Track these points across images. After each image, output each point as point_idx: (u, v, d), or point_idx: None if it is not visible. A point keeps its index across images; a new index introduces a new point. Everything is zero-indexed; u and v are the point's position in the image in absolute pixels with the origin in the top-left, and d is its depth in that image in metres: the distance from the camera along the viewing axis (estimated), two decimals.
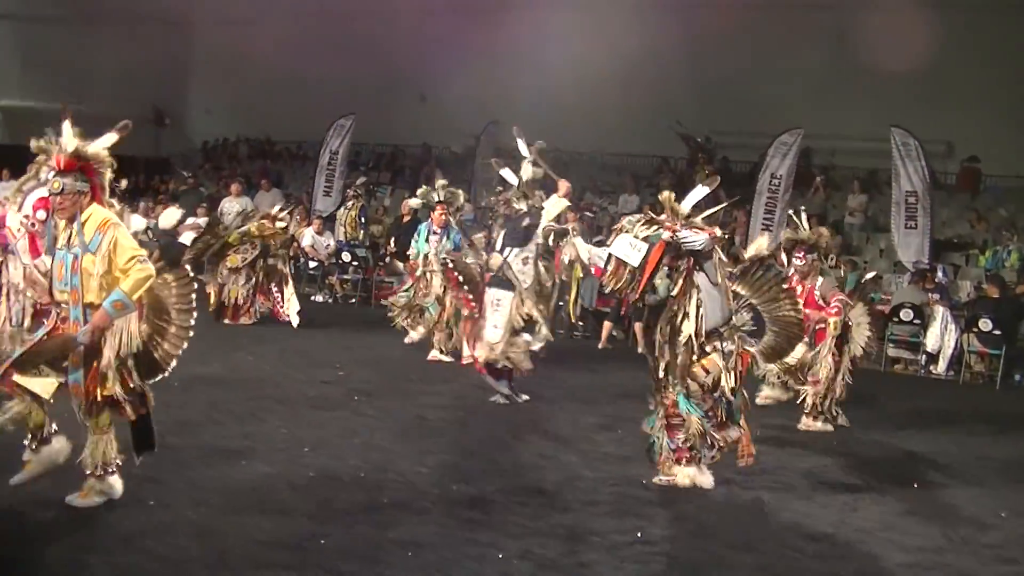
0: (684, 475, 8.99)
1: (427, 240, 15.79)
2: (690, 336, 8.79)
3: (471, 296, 12.83)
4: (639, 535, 7.82)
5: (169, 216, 11.05)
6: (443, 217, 15.83)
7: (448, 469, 9.28)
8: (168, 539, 7.09)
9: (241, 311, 17.74)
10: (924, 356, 18.24)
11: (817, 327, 12.12)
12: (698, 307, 8.74)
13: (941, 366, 18.07)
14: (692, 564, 7.40)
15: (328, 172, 27.06)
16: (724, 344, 8.89)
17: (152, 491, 7.99)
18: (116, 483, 7.71)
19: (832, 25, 27.32)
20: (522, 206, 12.55)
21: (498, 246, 12.48)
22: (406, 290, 16.02)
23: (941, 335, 18.01)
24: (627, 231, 8.89)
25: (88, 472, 7.62)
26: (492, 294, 12.31)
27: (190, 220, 23.98)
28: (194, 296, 8.13)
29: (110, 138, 7.82)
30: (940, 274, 19.65)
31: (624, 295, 9.55)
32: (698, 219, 8.88)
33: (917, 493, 9.80)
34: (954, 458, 11.44)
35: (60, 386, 7.54)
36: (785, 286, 9.66)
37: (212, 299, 17.78)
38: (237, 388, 12.29)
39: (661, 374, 9.04)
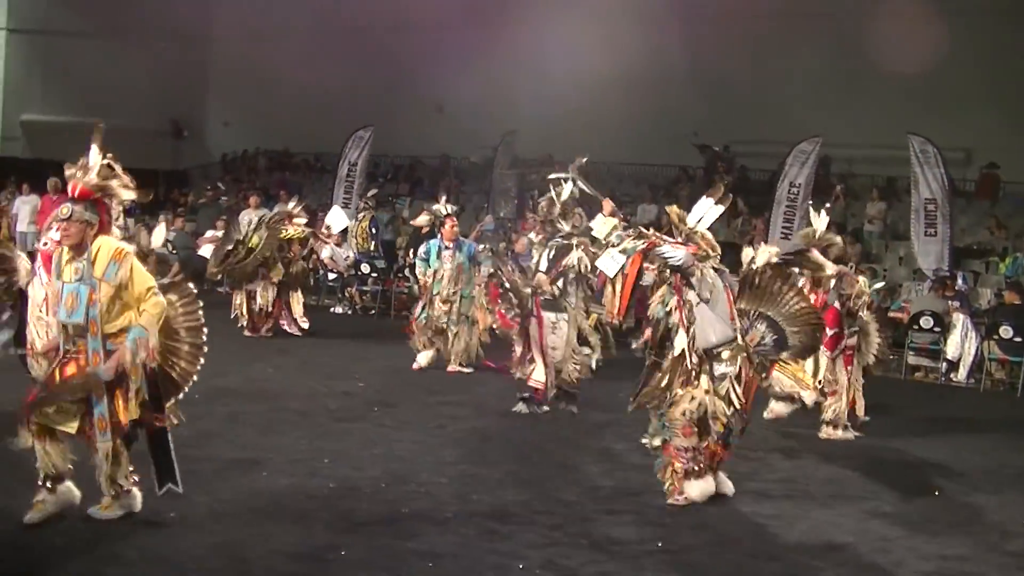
0: (696, 490, 8.91)
1: (438, 257, 15.30)
2: (680, 354, 8.79)
3: (513, 314, 12.80)
4: (660, 544, 7.81)
5: (157, 235, 10.96)
6: (454, 230, 15.47)
7: (468, 479, 9.27)
8: (189, 551, 7.11)
9: (263, 322, 17.74)
10: (944, 364, 18.13)
11: (831, 332, 11.98)
12: (689, 324, 8.71)
13: (962, 374, 17.97)
14: (713, 573, 7.38)
15: (347, 184, 27.11)
16: (719, 366, 8.81)
17: (172, 503, 7.99)
18: (136, 497, 7.69)
19: (850, 33, 27.27)
20: (565, 226, 12.49)
21: (543, 266, 12.43)
22: (423, 311, 15.40)
23: (961, 342, 17.92)
24: (613, 244, 8.92)
25: (106, 492, 7.59)
26: (549, 317, 12.28)
27: (209, 233, 24.05)
28: (201, 312, 8.22)
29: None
30: (960, 281, 19.58)
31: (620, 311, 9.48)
32: (703, 232, 8.88)
33: (938, 501, 9.76)
34: (975, 466, 11.38)
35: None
36: (783, 281, 9.38)
37: (242, 309, 17.77)
38: (257, 400, 12.32)
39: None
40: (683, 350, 8.70)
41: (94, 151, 7.63)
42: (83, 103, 36.81)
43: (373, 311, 22.27)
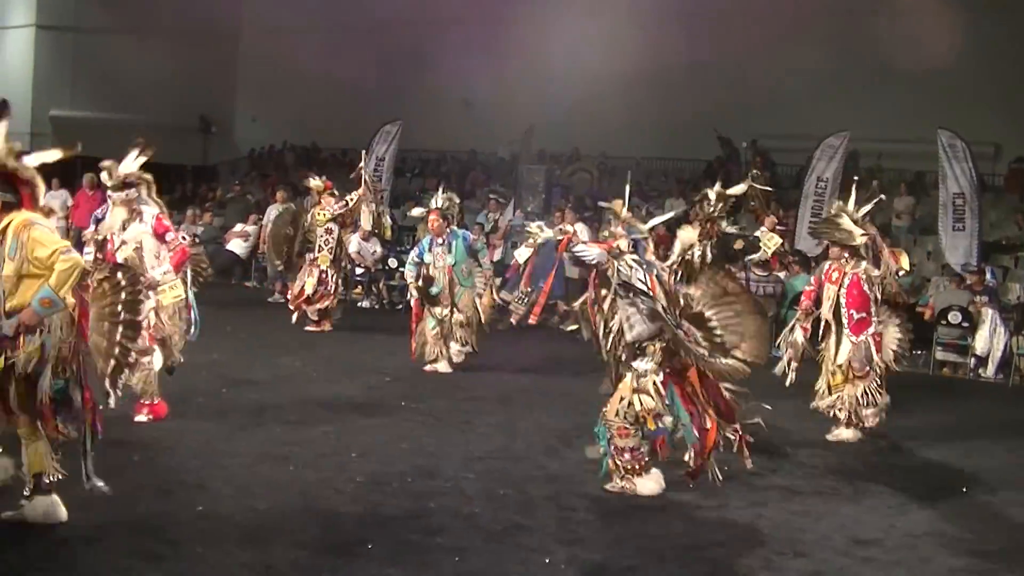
0: (645, 487, 8.86)
1: (430, 251, 14.85)
2: (608, 351, 8.84)
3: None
4: (685, 539, 7.81)
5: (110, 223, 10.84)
6: (436, 224, 14.79)
7: (495, 474, 9.29)
8: (216, 544, 7.14)
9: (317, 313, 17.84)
10: (973, 359, 18.06)
11: (857, 316, 11.81)
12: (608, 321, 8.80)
13: (990, 369, 17.88)
14: (740, 569, 7.37)
15: (374, 178, 27.14)
16: (642, 362, 8.78)
17: (200, 497, 8.05)
18: (56, 506, 7.30)
19: (878, 27, 27.19)
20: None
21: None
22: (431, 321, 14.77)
23: (990, 338, 17.83)
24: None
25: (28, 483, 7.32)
26: None
27: (237, 227, 24.14)
28: (120, 304, 7.85)
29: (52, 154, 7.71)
30: (989, 276, 19.47)
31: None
32: (643, 226, 9.05)
33: (966, 498, 9.72)
34: (1003, 462, 11.33)
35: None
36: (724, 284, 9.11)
37: (295, 295, 18.04)
38: (284, 394, 12.36)
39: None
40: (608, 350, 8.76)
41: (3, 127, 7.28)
42: (111, 99, 37.09)
43: (400, 305, 22.29)
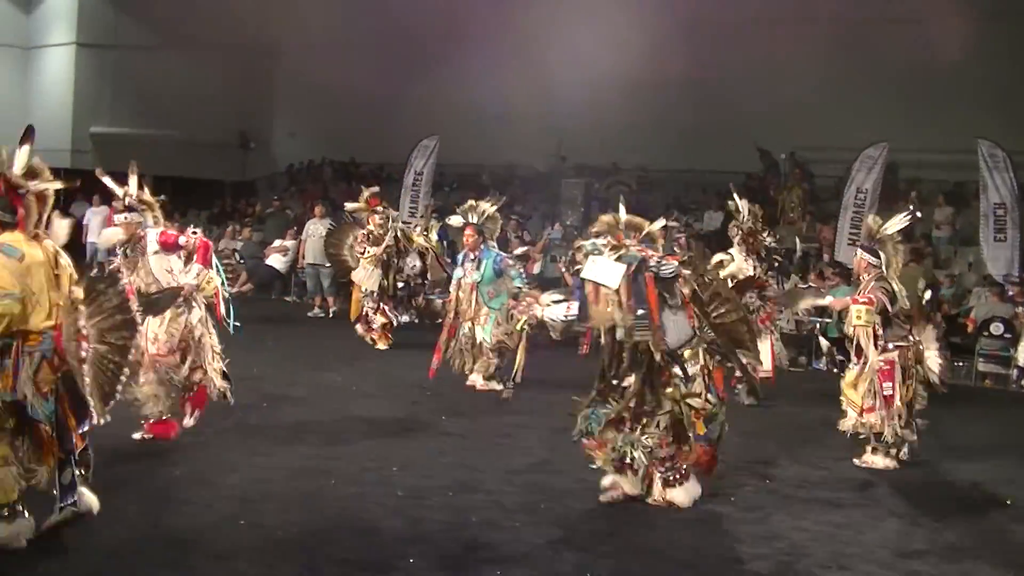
0: (682, 497, 8.80)
1: (461, 265, 14.77)
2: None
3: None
4: (727, 553, 7.78)
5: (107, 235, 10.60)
6: (471, 239, 14.53)
7: (536, 489, 9.27)
8: (258, 558, 7.16)
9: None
10: (1015, 371, 17.94)
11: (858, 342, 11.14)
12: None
13: None
14: None
15: (412, 192, 27.21)
16: (688, 368, 8.81)
17: (242, 510, 8.07)
18: (18, 529, 7.03)
19: (918, 38, 27.07)
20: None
21: None
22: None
23: None
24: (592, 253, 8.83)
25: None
26: None
27: (276, 242, 24.25)
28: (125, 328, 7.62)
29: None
30: None
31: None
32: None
33: (1010, 511, 9.61)
34: None
35: None
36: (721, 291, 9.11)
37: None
38: (325, 408, 12.39)
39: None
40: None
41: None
42: (151, 115, 37.34)
43: (440, 320, 22.28)
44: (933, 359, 11.19)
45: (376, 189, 18.37)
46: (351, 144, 35.86)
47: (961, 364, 18.01)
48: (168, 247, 10.24)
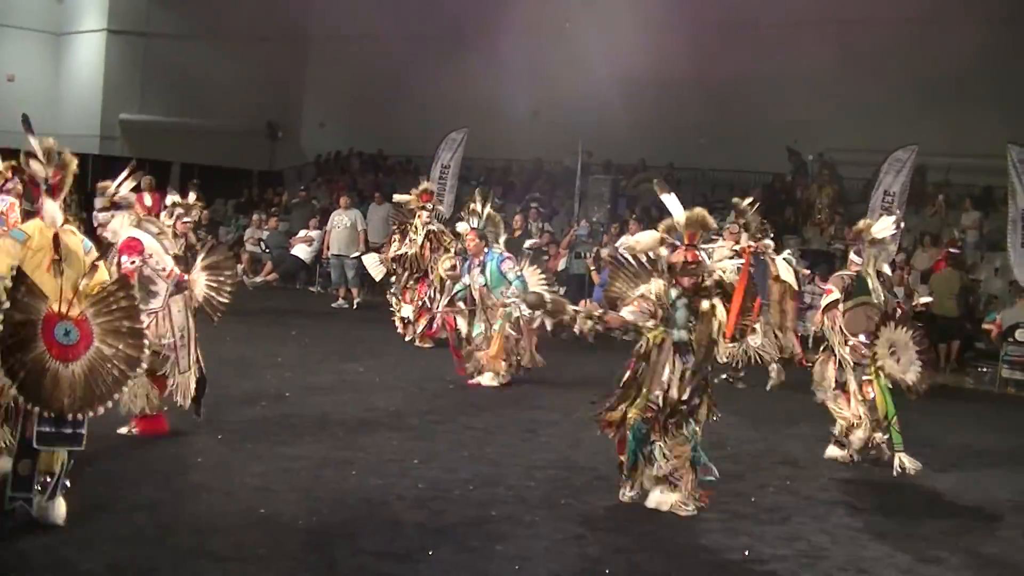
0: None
1: (468, 271, 14.52)
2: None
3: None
4: (747, 553, 7.78)
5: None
6: (473, 244, 14.34)
7: (557, 483, 9.28)
8: (279, 548, 7.20)
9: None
10: None
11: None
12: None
13: None
14: None
15: (439, 185, 27.17)
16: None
17: (263, 500, 8.10)
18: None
19: (948, 40, 26.95)
20: None
21: None
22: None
23: None
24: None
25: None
26: None
27: (302, 233, 24.30)
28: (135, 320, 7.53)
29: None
30: None
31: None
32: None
33: None
34: None
35: None
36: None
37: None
38: (348, 399, 12.42)
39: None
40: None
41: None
42: (180, 103, 37.48)
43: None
44: (907, 364, 10.62)
45: (430, 186, 17.96)
46: (379, 135, 35.86)
47: (986, 370, 17.96)
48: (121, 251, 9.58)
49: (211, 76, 36.58)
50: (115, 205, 9.90)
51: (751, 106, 29.43)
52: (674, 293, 8.42)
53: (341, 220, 22.41)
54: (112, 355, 7.17)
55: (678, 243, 8.46)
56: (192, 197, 14.65)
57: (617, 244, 20.20)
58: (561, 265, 21.92)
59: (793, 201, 27.48)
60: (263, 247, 25.30)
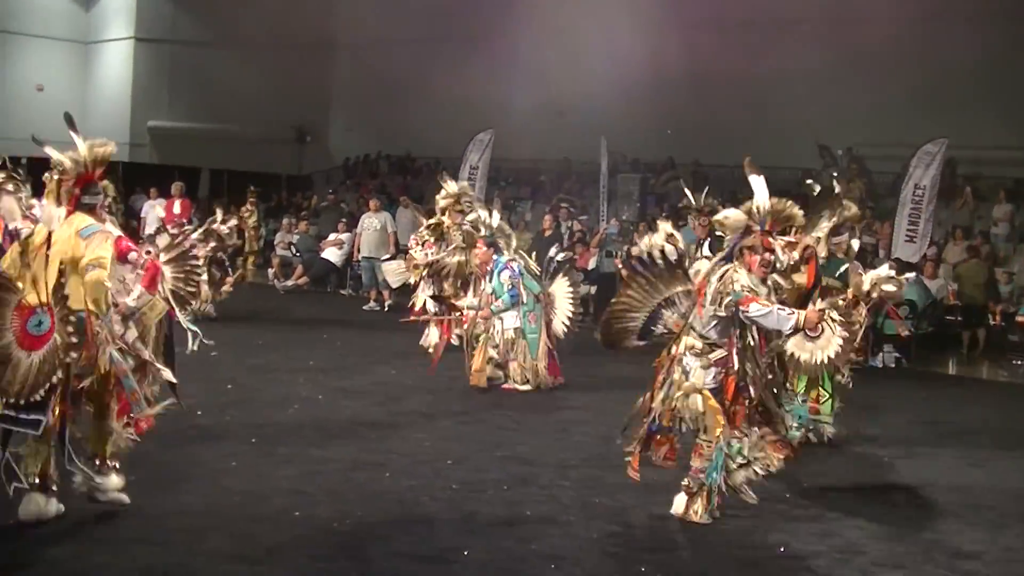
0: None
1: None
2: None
3: None
4: (783, 549, 7.75)
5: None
6: (483, 254, 14.04)
7: (591, 482, 9.25)
8: (312, 550, 7.20)
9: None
10: None
11: None
12: None
13: None
14: None
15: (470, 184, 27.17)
16: None
17: (296, 503, 8.11)
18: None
19: (979, 35, 26.84)
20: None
21: None
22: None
23: None
24: None
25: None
26: None
27: (332, 236, 24.33)
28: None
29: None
30: None
31: None
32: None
33: None
34: None
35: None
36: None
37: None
38: (380, 401, 12.44)
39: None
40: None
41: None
42: (208, 110, 37.68)
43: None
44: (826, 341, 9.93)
45: (458, 189, 17.39)
46: (407, 138, 35.92)
47: (1020, 363, 17.87)
48: (120, 257, 8.71)
49: (238, 82, 36.79)
50: None
51: (779, 103, 29.35)
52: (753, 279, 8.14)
53: (371, 223, 22.46)
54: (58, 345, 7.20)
55: (758, 227, 8.21)
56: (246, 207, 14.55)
57: (637, 245, 20.15)
58: (591, 264, 21.92)
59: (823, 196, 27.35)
60: (293, 251, 25.36)
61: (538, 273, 14.21)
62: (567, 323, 14.15)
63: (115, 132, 35.63)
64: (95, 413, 7.55)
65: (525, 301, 13.68)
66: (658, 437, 8.49)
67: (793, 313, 7.90)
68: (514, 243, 14.37)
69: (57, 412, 7.24)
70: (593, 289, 21.36)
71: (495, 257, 13.93)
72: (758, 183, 8.41)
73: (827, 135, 28.35)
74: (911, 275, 12.82)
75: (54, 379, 7.07)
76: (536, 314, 13.77)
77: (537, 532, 7.83)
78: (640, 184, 27.79)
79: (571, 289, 14.52)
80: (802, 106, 28.80)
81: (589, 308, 20.50)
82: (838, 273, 10.09)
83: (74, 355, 7.14)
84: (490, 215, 14.78)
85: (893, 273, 8.68)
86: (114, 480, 7.58)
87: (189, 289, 8.63)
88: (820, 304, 8.42)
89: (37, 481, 7.33)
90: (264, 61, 37.70)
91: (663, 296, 8.32)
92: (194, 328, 8.35)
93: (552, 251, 15.03)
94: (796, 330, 8.07)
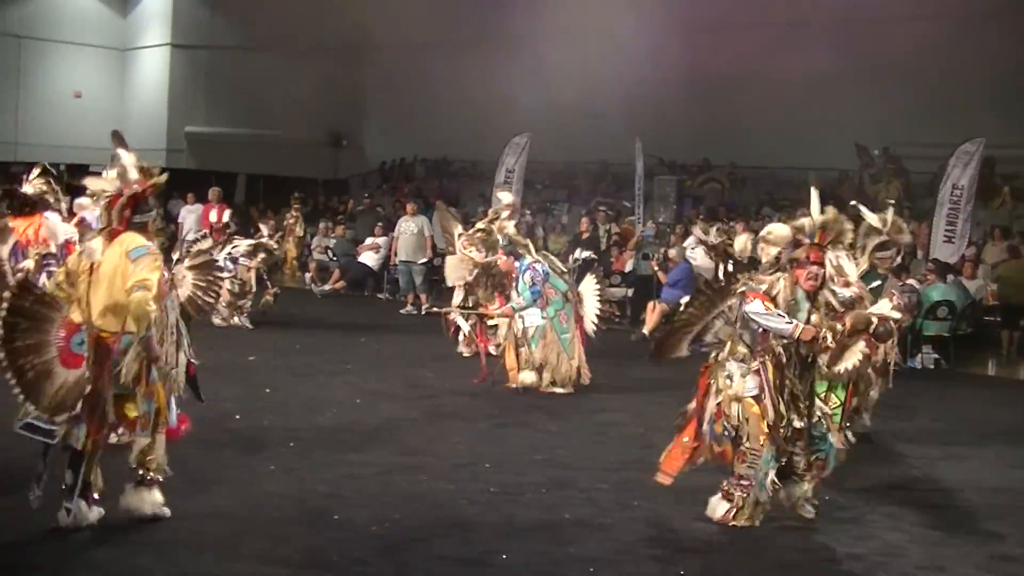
0: None
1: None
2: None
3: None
4: (821, 553, 7.71)
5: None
6: (503, 263, 14.08)
7: (629, 486, 9.22)
8: (351, 554, 7.22)
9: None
10: None
11: None
12: None
13: None
14: None
15: (504, 190, 27.13)
16: None
17: (335, 506, 8.13)
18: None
19: (1017, 33, 26.68)
20: None
21: None
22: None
23: None
24: None
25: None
26: None
27: (369, 240, 24.37)
28: None
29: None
30: None
31: None
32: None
33: None
34: None
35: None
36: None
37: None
38: (417, 404, 12.44)
39: None
40: None
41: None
42: (244, 115, 37.83)
43: None
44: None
45: (515, 201, 17.00)
46: (443, 141, 35.95)
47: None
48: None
49: (274, 87, 36.95)
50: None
51: (815, 103, 29.26)
52: (798, 293, 8.10)
53: (408, 226, 22.47)
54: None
55: (807, 240, 8.21)
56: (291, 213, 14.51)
57: (684, 245, 20.12)
58: (628, 266, 21.88)
59: (860, 197, 27.28)
60: (330, 255, 25.40)
61: (564, 271, 14.14)
62: (596, 322, 14.20)
63: (152, 138, 36.04)
64: (133, 428, 7.55)
65: (553, 300, 13.61)
66: (715, 446, 8.36)
67: (791, 323, 7.92)
68: (532, 247, 14.34)
69: (85, 427, 7.26)
70: (630, 292, 21.33)
71: (516, 263, 13.87)
72: (815, 196, 8.37)
73: (864, 135, 28.29)
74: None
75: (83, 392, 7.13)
76: (567, 313, 13.72)
77: (575, 535, 7.82)
78: (676, 186, 27.76)
79: (598, 287, 14.50)
80: (838, 107, 28.70)
81: (626, 311, 20.45)
82: (871, 286, 9.99)
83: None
84: (509, 223, 14.68)
85: (897, 315, 8.46)
86: (144, 497, 7.55)
87: (207, 299, 8.65)
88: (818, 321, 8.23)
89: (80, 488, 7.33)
90: (300, 66, 37.81)
91: (718, 310, 8.28)
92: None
93: (576, 252, 15.02)
94: (792, 339, 8.03)
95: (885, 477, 10.02)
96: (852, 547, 7.87)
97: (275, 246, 18.79)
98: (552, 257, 14.36)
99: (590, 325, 14.09)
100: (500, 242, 14.34)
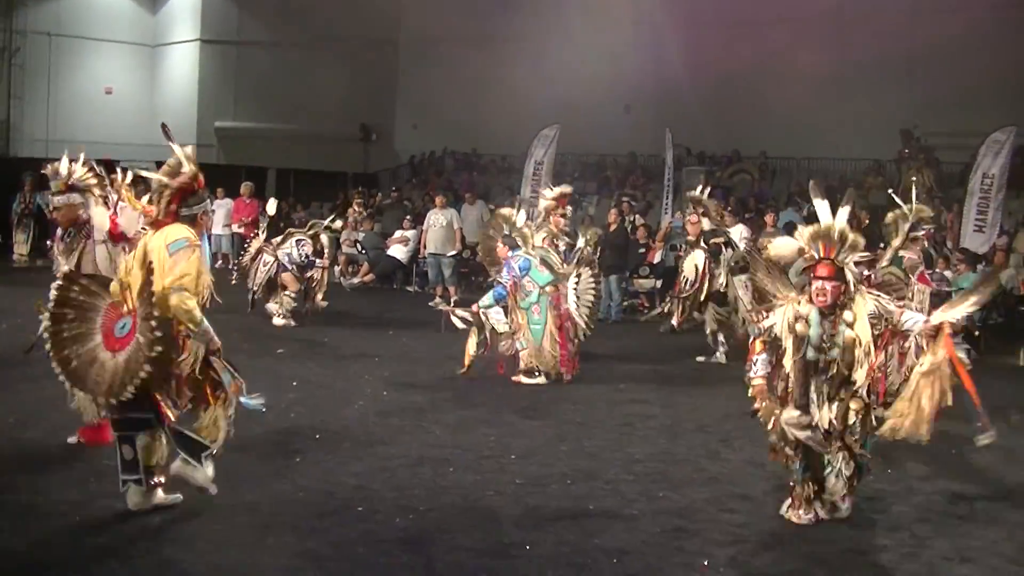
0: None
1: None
2: None
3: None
4: (848, 544, 7.69)
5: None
6: (499, 250, 14.31)
7: (655, 477, 9.24)
8: (377, 546, 7.23)
9: None
10: None
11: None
12: None
13: None
14: (900, 573, 7.27)
15: (533, 182, 27.11)
16: None
17: (361, 498, 8.15)
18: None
19: None
20: None
21: None
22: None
23: None
24: None
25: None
26: None
27: (398, 233, 24.40)
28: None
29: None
30: None
31: None
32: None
33: None
34: None
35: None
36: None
37: None
38: (445, 396, 12.48)
39: None
40: None
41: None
42: (274, 110, 37.94)
43: None
44: None
45: (568, 189, 16.62)
46: (472, 134, 35.98)
47: None
48: (115, 237, 9.52)
49: (303, 82, 37.07)
50: (71, 188, 9.71)
51: (845, 94, 29.21)
52: (812, 311, 7.81)
53: (437, 219, 22.50)
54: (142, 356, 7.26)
55: (816, 254, 7.83)
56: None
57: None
58: (657, 258, 21.86)
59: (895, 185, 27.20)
60: (359, 248, 25.43)
61: (554, 265, 14.12)
62: (586, 316, 14.39)
63: (182, 133, 35.96)
64: (197, 404, 7.73)
65: (529, 292, 13.75)
66: None
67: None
68: (530, 237, 14.39)
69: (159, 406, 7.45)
70: (659, 283, 21.31)
71: (510, 253, 14.05)
72: (822, 207, 7.98)
73: (894, 125, 28.15)
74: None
75: (142, 374, 7.12)
76: (540, 305, 13.75)
77: (601, 526, 7.83)
78: (705, 177, 27.71)
79: (592, 280, 14.52)
80: (869, 97, 28.62)
81: (655, 302, 20.42)
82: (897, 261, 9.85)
83: (159, 349, 7.16)
84: (516, 214, 14.89)
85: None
86: (210, 471, 7.74)
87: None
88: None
89: (143, 475, 7.53)
90: (329, 60, 37.92)
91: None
92: None
93: (580, 242, 15.03)
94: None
95: (912, 468, 9.98)
96: (879, 539, 7.85)
97: (337, 225, 18.92)
98: (550, 251, 14.37)
99: (579, 318, 14.27)
100: (506, 230, 14.48)
